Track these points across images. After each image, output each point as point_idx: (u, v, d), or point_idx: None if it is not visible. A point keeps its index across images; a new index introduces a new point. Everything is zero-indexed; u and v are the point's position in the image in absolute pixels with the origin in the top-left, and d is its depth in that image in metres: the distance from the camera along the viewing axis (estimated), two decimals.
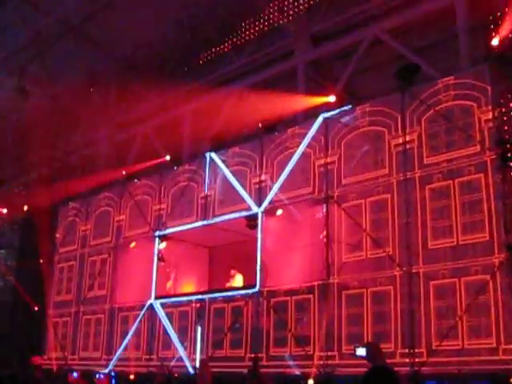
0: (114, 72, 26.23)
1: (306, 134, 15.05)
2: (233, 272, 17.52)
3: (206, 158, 17.55)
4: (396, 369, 9.70)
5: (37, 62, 25.65)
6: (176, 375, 15.88)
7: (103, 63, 25.40)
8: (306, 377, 13.01)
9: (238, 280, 17.35)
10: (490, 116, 12.01)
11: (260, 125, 16.30)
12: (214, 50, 23.72)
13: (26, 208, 26.12)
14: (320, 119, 14.87)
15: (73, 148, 29.46)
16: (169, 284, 18.51)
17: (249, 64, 22.51)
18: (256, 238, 15.44)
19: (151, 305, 17.61)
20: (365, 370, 6.72)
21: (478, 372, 10.99)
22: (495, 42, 12.20)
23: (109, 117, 27.55)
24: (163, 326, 17.14)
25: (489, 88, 12.13)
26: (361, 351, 7.04)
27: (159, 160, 19.72)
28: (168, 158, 19.36)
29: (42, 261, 23.61)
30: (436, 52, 17.65)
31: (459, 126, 12.32)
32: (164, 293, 18.11)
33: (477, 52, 14.59)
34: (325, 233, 13.94)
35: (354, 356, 7.94)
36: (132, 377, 16.73)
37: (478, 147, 12.03)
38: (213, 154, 17.38)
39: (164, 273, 18.41)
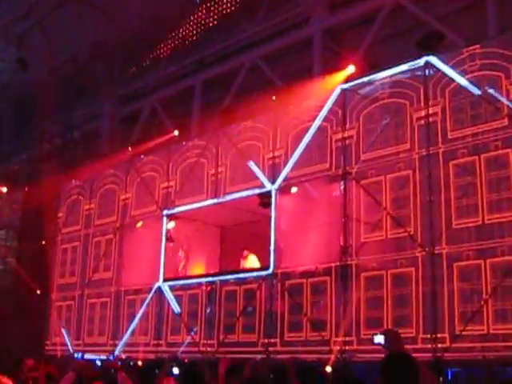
0: (118, 42, 26.23)
1: (322, 106, 14.98)
2: (246, 253, 17.57)
3: (216, 132, 17.53)
4: (417, 355, 9.78)
5: (36, 31, 25.68)
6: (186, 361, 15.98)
7: (107, 32, 25.36)
8: (322, 363, 13.08)
9: (251, 261, 17.40)
10: None
11: (274, 97, 16.24)
12: (225, 16, 23.66)
13: (26, 189, 26.19)
14: (337, 91, 14.80)
15: (75, 123, 29.56)
16: (181, 266, 18.58)
17: (261, 32, 22.47)
18: (269, 217, 15.45)
19: (159, 287, 17.70)
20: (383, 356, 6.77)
21: (504, 358, 11.02)
22: None
23: (113, 89, 27.60)
24: (172, 309, 17.25)
25: None
26: (379, 338, 7.08)
27: (166, 136, 19.62)
28: (176, 133, 19.31)
29: (44, 242, 23.76)
30: (461, 19, 17.56)
31: (486, 99, 12.24)
32: (173, 275, 18.21)
33: (505, 19, 14.51)
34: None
35: (372, 343, 7.98)
36: (140, 363, 16.83)
37: (506, 121, 11.92)
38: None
39: (173, 253, 18.51)
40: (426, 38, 13.72)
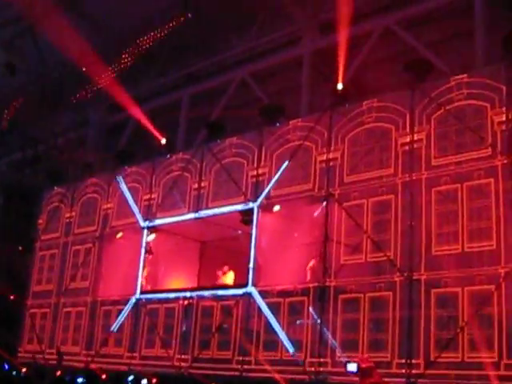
0: (107, 51, 26.16)
1: (308, 127, 15.02)
2: (226, 268, 17.52)
3: (201, 146, 17.53)
4: (392, 380, 9.78)
5: (26, 36, 25.63)
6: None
7: (96, 40, 25.32)
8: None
9: (230, 277, 17.37)
10: (504, 118, 11.99)
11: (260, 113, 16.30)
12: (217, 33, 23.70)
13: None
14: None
15: (61, 129, 29.44)
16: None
17: (252, 49, 22.55)
18: (250, 235, 15.43)
19: (136, 300, 17.59)
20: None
21: None
22: None
23: (101, 98, 27.52)
24: (148, 322, 17.15)
25: (504, 88, 12.11)
26: (352, 367, 7.04)
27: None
28: (164, 141, 19.28)
29: (20, 248, 23.60)
30: (450, 48, 17.71)
31: (470, 127, 12.31)
32: (150, 287, 18.13)
33: (493, 50, 14.63)
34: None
35: (345, 371, 7.92)
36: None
37: (490, 150, 12.01)
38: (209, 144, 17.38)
39: (150, 265, 18.44)
40: (414, 63, 13.83)
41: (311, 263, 14.39)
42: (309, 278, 14.27)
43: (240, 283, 15.96)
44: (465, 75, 12.82)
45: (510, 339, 10.94)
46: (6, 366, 18.18)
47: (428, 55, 17.49)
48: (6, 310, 23.49)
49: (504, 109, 12.04)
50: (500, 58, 12.69)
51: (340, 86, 14.97)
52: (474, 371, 11.16)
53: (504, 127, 11.98)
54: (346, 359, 7.42)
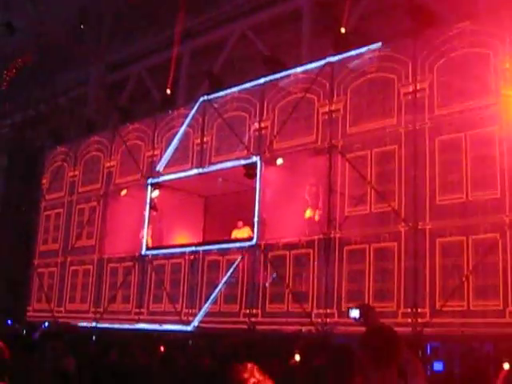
0: (107, 8, 25.98)
1: (310, 78, 14.91)
2: (240, 224, 17.44)
3: (202, 101, 17.44)
4: (397, 329, 9.82)
5: None
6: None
7: None
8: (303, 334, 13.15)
9: (245, 232, 17.33)
10: (508, 65, 11.87)
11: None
12: None
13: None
14: (324, 62, 14.73)
15: (62, 89, 29.31)
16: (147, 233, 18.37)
17: (251, 2, 22.31)
18: (254, 189, 15.43)
19: (142, 256, 17.68)
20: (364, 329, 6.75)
21: (483, 334, 11.12)
22: None
23: (100, 56, 27.37)
24: (154, 278, 17.26)
25: (507, 36, 11.98)
26: (354, 313, 7.04)
27: None
28: (168, 91, 19.18)
29: (24, 208, 23.66)
30: None
31: (473, 75, 12.20)
32: (153, 244, 18.20)
33: None
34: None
35: (347, 317, 7.95)
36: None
37: (493, 98, 11.93)
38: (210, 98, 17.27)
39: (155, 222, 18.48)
40: (416, 10, 13.64)
41: (316, 215, 14.39)
42: (310, 230, 14.25)
43: (246, 237, 16.04)
44: (467, 23, 12.66)
45: None
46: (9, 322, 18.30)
47: (430, 3, 17.25)
48: (14, 270, 23.68)
49: (507, 56, 11.91)
50: (503, 5, 12.49)
51: (343, 30, 14.82)
52: (480, 319, 11.24)
53: (508, 74, 11.86)
54: (348, 307, 7.43)
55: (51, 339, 9.38)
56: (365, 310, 6.63)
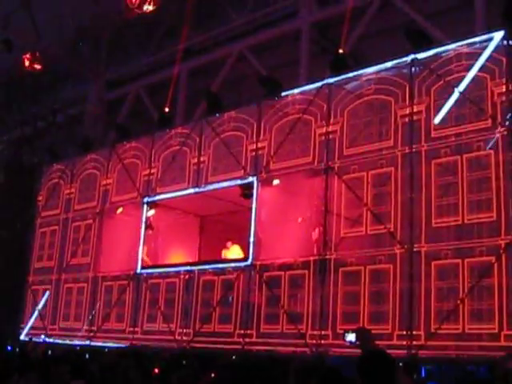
0: (106, 26, 26.07)
1: (307, 99, 14.95)
2: (229, 244, 17.50)
3: (200, 121, 17.46)
4: (392, 351, 9.79)
5: (22, 12, 25.47)
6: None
7: (94, 16, 25.22)
8: (297, 356, 13.09)
9: (234, 252, 17.34)
10: (504, 89, 11.92)
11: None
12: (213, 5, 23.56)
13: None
14: (322, 83, 14.78)
15: (59, 106, 29.36)
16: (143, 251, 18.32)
17: (250, 23, 22.42)
18: (250, 209, 15.42)
19: (137, 274, 17.62)
20: (359, 351, 6.74)
21: (478, 358, 11.09)
22: None
23: (98, 74, 27.44)
24: (149, 297, 17.20)
25: (504, 59, 12.04)
26: (350, 336, 7.03)
27: None
28: (167, 109, 19.23)
29: (19, 225, 23.60)
30: (449, 19, 17.58)
31: (470, 99, 12.26)
32: (150, 262, 18.15)
33: (493, 20, 14.50)
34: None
35: (344, 340, 7.94)
36: None
37: (490, 122, 11.96)
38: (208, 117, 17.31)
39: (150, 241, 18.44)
40: (414, 33, 13.73)
41: (315, 235, 14.36)
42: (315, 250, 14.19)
43: (241, 257, 16.03)
44: (464, 46, 12.73)
45: (509, 311, 10.97)
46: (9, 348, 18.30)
47: (427, 26, 17.38)
48: (8, 287, 23.56)
49: (504, 80, 11.97)
50: (499, 28, 12.56)
51: (341, 51, 14.92)
52: (475, 342, 11.21)
53: (504, 98, 11.91)
54: (345, 330, 7.40)
55: (54, 362, 9.37)
56: (361, 334, 6.64)
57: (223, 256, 17.41)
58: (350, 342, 6.76)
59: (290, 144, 15.01)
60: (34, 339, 19.71)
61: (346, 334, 6.95)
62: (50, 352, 17.13)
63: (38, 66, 25.83)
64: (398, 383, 4.75)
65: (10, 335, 20.73)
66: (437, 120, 12.55)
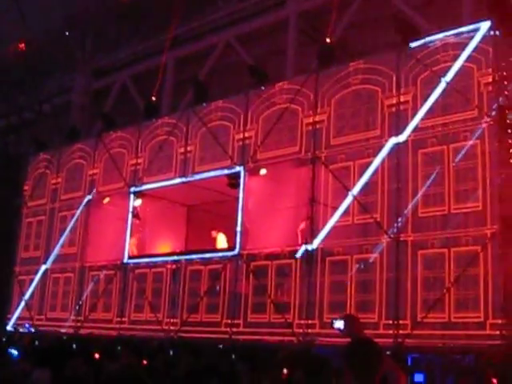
0: (92, 15, 25.92)
1: (294, 89, 14.93)
2: (214, 233, 17.49)
3: (187, 110, 17.42)
4: (379, 340, 9.83)
5: (9, 2, 25.28)
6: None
7: (81, 5, 25.08)
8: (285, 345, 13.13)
9: (220, 240, 17.33)
10: (490, 79, 11.96)
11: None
12: None
13: None
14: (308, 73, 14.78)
15: (45, 95, 29.20)
16: (132, 242, 18.28)
17: (237, 12, 22.34)
18: (237, 198, 15.41)
19: (124, 264, 17.59)
20: (346, 340, 6.75)
21: (464, 346, 11.15)
22: None
23: (85, 63, 27.30)
24: (136, 287, 17.18)
25: (490, 49, 12.06)
26: (338, 323, 7.05)
27: None
28: (153, 98, 19.16)
29: (6, 215, 23.52)
30: (436, 10, 17.59)
31: (457, 89, 12.28)
32: (135, 252, 18.12)
33: (479, 11, 14.53)
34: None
35: (331, 327, 7.97)
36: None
37: (476, 112, 12.00)
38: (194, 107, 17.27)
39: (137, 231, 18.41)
40: (401, 24, 13.73)
41: (302, 226, 14.37)
42: (300, 240, 14.22)
43: (228, 247, 16.03)
44: (451, 36, 12.73)
45: (495, 300, 11.03)
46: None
47: (414, 16, 17.38)
48: None
49: (490, 70, 11.99)
50: (486, 19, 12.57)
51: (328, 40, 14.90)
52: (461, 331, 11.28)
53: (490, 88, 11.94)
54: (332, 318, 7.42)
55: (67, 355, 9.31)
56: (349, 321, 6.66)
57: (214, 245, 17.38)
58: (338, 329, 6.77)
59: (277, 133, 14.99)
60: (21, 330, 19.65)
61: (334, 321, 6.96)
62: (36, 342, 17.10)
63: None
64: (384, 369, 4.75)
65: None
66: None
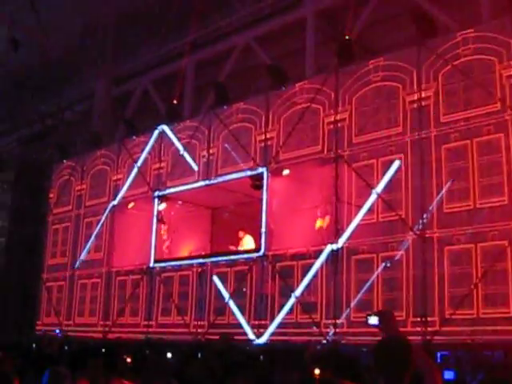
0: (111, 22, 26.02)
1: (315, 88, 14.90)
2: (241, 234, 17.51)
3: (208, 113, 17.46)
4: (408, 338, 9.78)
5: (27, 10, 25.41)
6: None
7: (100, 12, 25.17)
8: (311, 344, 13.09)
9: (247, 242, 17.33)
10: None
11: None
12: None
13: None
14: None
15: (67, 103, 29.38)
16: (165, 246, 18.42)
17: (254, 13, 22.32)
18: (261, 199, 15.41)
19: (150, 268, 17.66)
20: (374, 338, 6.70)
21: (493, 342, 11.06)
22: None
23: (105, 69, 27.42)
24: (163, 290, 17.24)
25: (511, 42, 11.96)
26: (373, 319, 7.01)
27: None
28: (175, 102, 19.25)
29: (32, 222, 23.69)
30: (456, 3, 17.45)
31: (478, 83, 12.19)
32: (163, 256, 18.18)
33: (498, 3, 14.40)
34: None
35: (366, 324, 7.92)
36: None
37: (499, 105, 11.90)
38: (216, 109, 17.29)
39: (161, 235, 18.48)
40: (420, 19, 13.61)
41: (320, 223, 14.35)
42: (321, 239, 14.18)
43: (254, 248, 16.04)
44: (471, 30, 12.64)
45: None
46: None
47: (434, 11, 17.25)
48: (23, 284, 23.67)
49: None
50: (506, 12, 12.47)
51: (347, 37, 14.87)
52: (489, 327, 11.19)
53: None
54: (367, 313, 7.36)
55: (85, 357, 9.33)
56: (386, 317, 6.61)
57: (239, 246, 17.39)
58: (374, 325, 6.72)
59: (299, 133, 14.98)
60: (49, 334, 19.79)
61: (369, 317, 6.90)
62: (66, 347, 17.19)
63: None
64: (417, 367, 4.68)
65: (26, 331, 20.83)
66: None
